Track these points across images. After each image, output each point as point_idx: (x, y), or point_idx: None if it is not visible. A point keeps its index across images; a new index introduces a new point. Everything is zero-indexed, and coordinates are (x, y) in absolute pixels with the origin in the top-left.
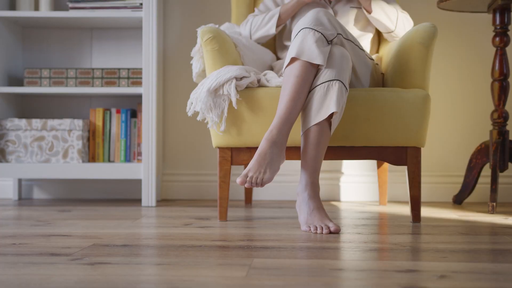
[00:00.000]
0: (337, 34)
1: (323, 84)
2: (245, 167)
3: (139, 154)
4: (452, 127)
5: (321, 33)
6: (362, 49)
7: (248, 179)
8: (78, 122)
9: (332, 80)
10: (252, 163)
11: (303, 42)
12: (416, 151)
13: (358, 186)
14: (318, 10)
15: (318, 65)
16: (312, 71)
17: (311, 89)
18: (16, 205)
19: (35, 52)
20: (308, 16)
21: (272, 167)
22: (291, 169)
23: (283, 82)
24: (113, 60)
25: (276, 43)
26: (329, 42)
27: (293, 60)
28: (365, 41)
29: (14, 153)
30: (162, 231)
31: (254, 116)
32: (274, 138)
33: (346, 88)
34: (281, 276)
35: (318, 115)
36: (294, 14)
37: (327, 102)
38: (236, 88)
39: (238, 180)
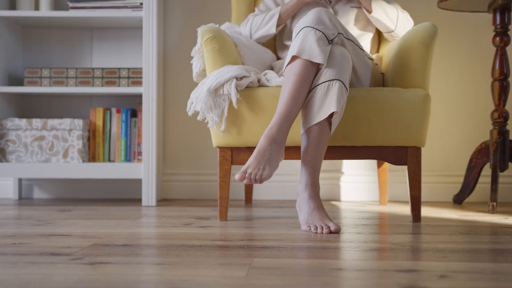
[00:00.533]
0: (338, 33)
1: (324, 83)
2: None
3: (139, 153)
4: (452, 127)
5: (322, 32)
6: (362, 49)
7: (247, 175)
8: (78, 122)
9: (332, 79)
10: (251, 159)
11: (304, 40)
12: (417, 150)
13: (358, 185)
14: (319, 10)
15: (319, 64)
16: (313, 69)
17: (311, 89)
18: (16, 205)
19: (35, 52)
20: (309, 15)
21: (271, 164)
22: (291, 168)
23: (284, 80)
24: (113, 60)
25: (276, 43)
26: (330, 41)
27: (293, 58)
28: (365, 40)
29: (14, 152)
30: (162, 230)
31: (254, 115)
32: (274, 135)
33: (346, 88)
34: (281, 276)
35: (318, 114)
36: (294, 13)
37: (327, 102)
38: (236, 88)
39: (237, 176)
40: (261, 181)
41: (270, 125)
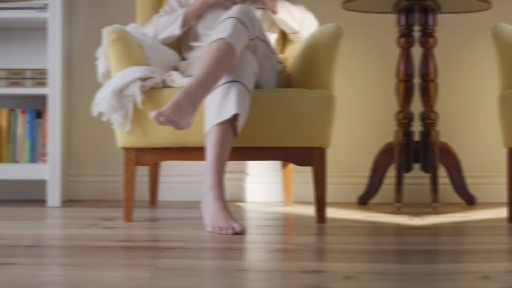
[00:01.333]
0: (256, 36)
1: (224, 85)
2: (150, 168)
3: (45, 154)
4: (357, 128)
5: (247, 29)
6: (274, 53)
7: (164, 113)
8: None
9: (232, 81)
10: (165, 107)
11: (229, 27)
12: (321, 151)
13: (263, 186)
14: (245, 6)
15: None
16: (233, 54)
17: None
18: None
19: None
20: (236, 9)
21: (185, 119)
22: (196, 169)
23: (204, 53)
24: (18, 61)
25: (181, 44)
26: (249, 40)
27: (217, 39)
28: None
29: None
30: (67, 231)
31: None
32: (191, 93)
33: (247, 89)
34: (186, 277)
35: (219, 116)
36: (199, 14)
37: (227, 103)
38: (141, 89)
39: (153, 114)
40: (176, 126)
41: (187, 85)
